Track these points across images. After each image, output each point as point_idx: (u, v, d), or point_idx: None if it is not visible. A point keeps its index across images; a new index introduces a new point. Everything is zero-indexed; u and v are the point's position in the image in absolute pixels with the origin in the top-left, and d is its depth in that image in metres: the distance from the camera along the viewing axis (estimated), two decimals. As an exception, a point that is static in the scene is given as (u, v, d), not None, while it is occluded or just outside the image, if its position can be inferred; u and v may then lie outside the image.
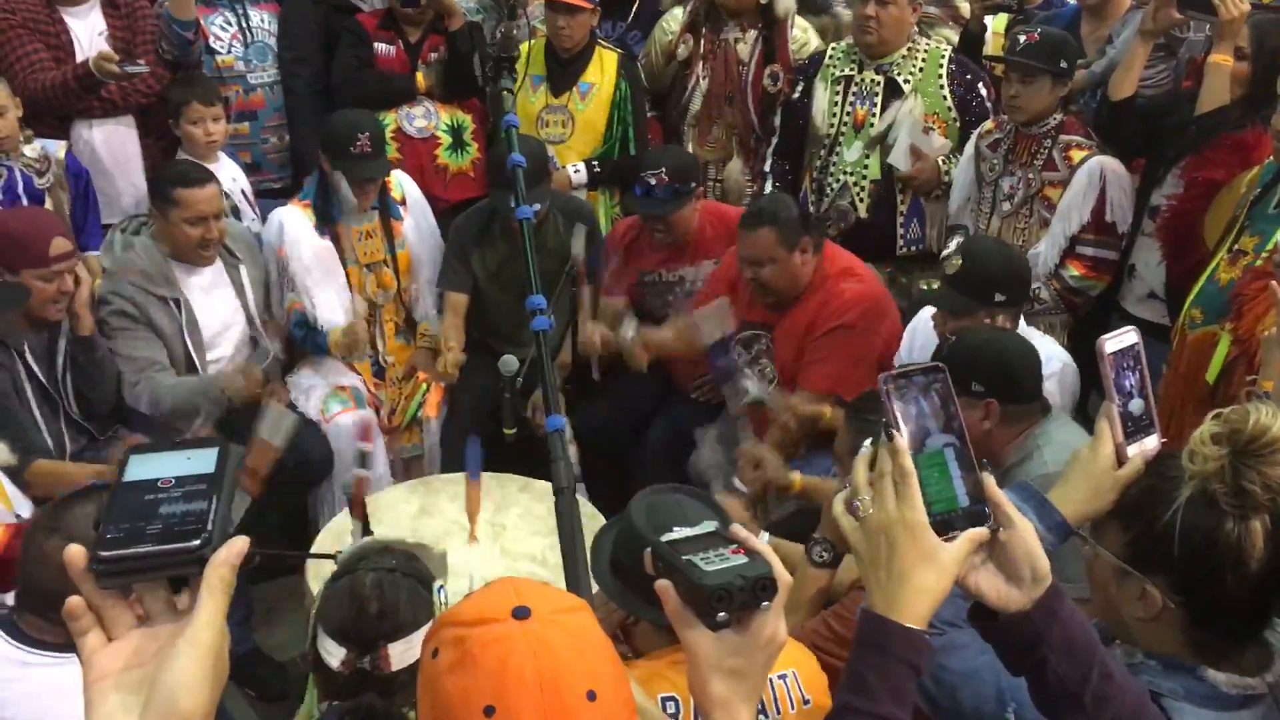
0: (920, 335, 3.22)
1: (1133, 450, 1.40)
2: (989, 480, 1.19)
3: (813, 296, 3.45)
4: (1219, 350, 2.90)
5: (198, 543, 0.85)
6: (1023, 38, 3.55)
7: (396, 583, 1.88)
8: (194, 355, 3.52)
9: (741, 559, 1.06)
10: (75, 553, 0.84)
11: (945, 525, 1.16)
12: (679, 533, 1.11)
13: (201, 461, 0.91)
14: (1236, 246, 2.96)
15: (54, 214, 3.54)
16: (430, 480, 3.47)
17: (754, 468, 3.06)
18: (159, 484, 0.89)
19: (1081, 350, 3.54)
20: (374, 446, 3.60)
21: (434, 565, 2.03)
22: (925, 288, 3.11)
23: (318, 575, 2.36)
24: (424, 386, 3.90)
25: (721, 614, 1.04)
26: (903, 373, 1.19)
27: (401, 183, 3.96)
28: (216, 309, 3.58)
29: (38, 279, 3.12)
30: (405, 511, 3.20)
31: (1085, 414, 3.35)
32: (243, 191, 4.02)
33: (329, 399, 3.78)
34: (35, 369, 3.23)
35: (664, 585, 1.07)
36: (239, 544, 0.86)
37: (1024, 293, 3.11)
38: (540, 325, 2.13)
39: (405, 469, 3.89)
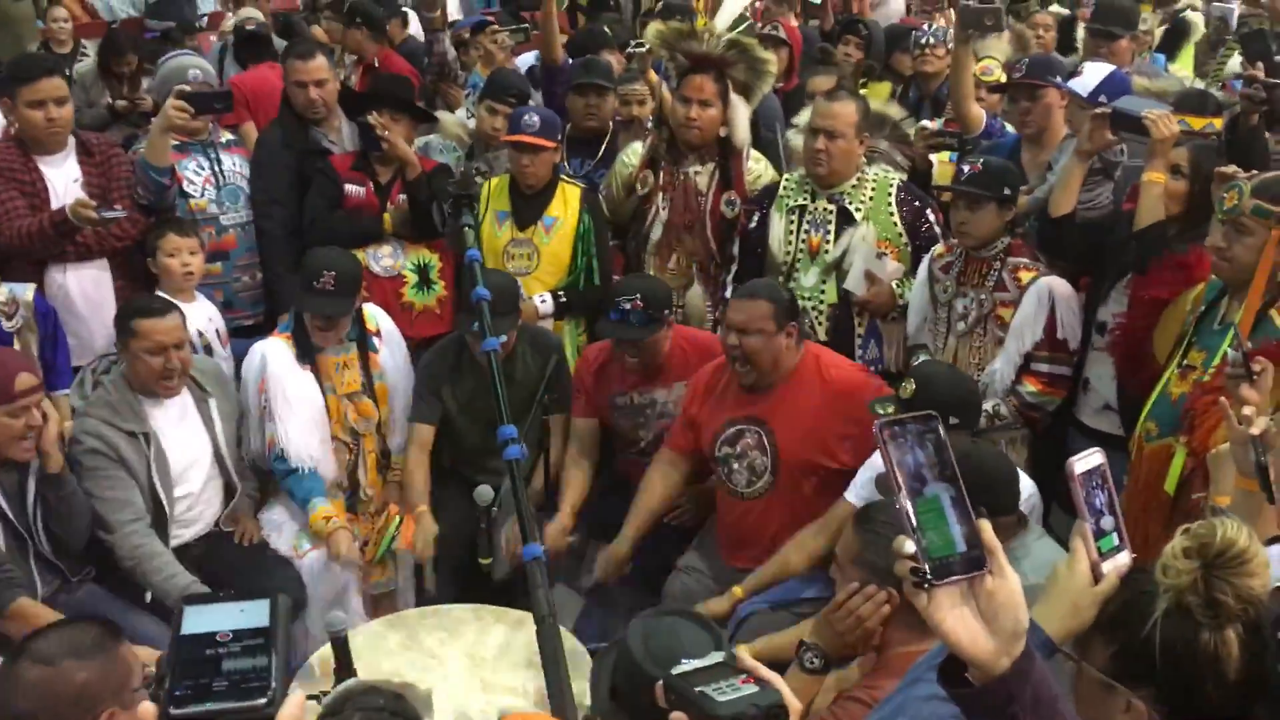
0: None
1: (1107, 567, 1.47)
2: (985, 527, 1.23)
3: (804, 380, 3.50)
4: (1175, 462, 3.00)
5: (264, 700, 0.89)
6: (967, 167, 3.74)
7: None
8: (160, 491, 3.51)
9: (752, 688, 1.11)
10: (147, 710, 0.87)
11: (944, 570, 1.20)
12: (688, 664, 1.16)
13: (255, 614, 0.95)
14: (1186, 361, 3.10)
15: (18, 352, 3.56)
16: (405, 615, 3.44)
17: None
18: (217, 638, 0.93)
19: (1042, 464, 3.65)
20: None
21: (420, 704, 2.03)
22: (881, 412, 3.17)
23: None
24: (397, 519, 3.90)
25: None
26: (898, 420, 1.24)
27: (375, 316, 4.03)
28: (185, 443, 3.59)
29: (3, 415, 3.13)
30: (384, 648, 3.18)
31: (1049, 528, 3.43)
32: (216, 331, 4.07)
33: (300, 536, 3.78)
34: (4, 507, 3.22)
35: (679, 717, 1.11)
36: (299, 698, 0.89)
37: (975, 416, 3.26)
38: (512, 454, 2.19)
39: (376, 605, 3.87)
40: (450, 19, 7.10)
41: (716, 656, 1.18)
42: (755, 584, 3.39)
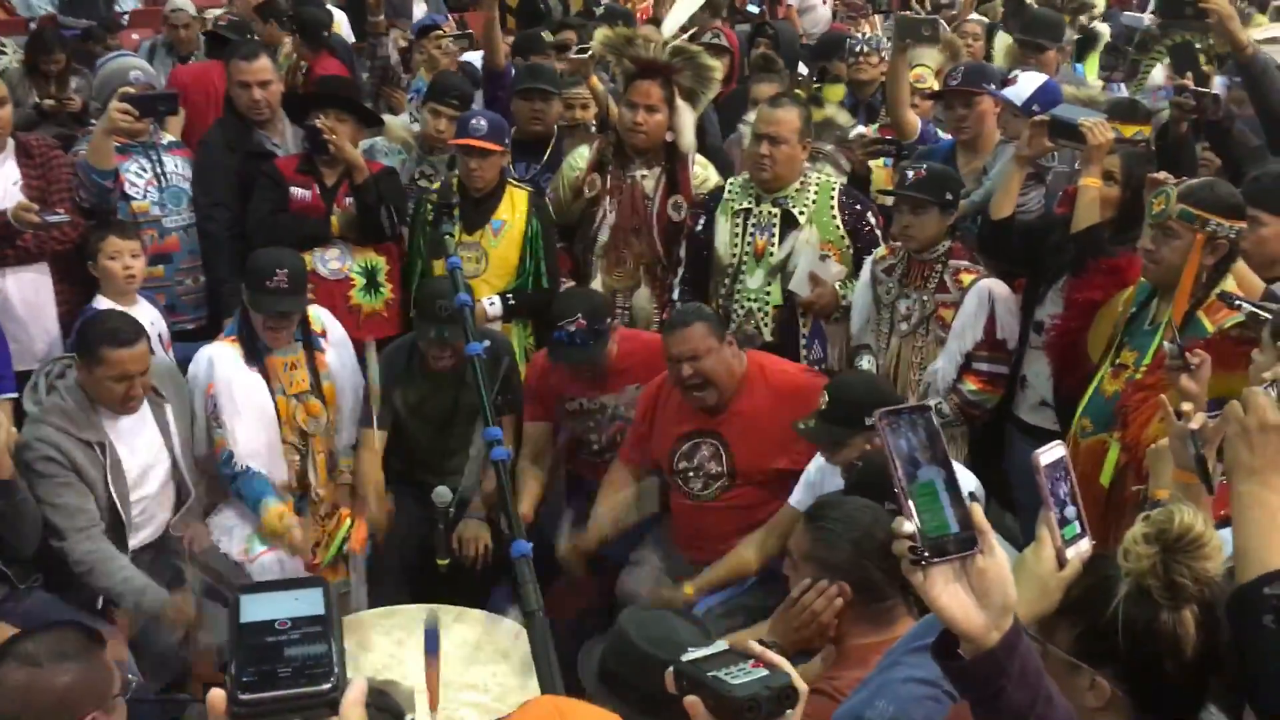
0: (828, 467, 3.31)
1: (1070, 553, 1.55)
2: (976, 509, 1.30)
3: (751, 389, 3.57)
4: (1110, 457, 3.13)
5: (329, 685, 0.92)
6: (910, 173, 3.85)
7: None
8: (116, 499, 3.46)
9: (763, 671, 1.17)
10: (216, 697, 0.90)
11: (939, 549, 1.27)
12: (696, 652, 1.21)
13: (309, 602, 0.99)
14: (1118, 361, 3.22)
15: (-39, 361, 3.51)
16: (361, 616, 3.44)
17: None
18: (276, 625, 0.96)
19: (982, 460, 3.78)
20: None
21: (403, 701, 2.07)
22: (803, 427, 3.25)
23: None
24: (348, 522, 3.90)
25: None
26: (895, 410, 1.31)
27: (320, 316, 4.01)
28: (140, 449, 3.55)
29: None
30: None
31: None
32: (159, 335, 4.02)
33: (251, 539, 3.75)
34: (-48, 517, 3.16)
35: (693, 701, 1.16)
36: (362, 683, 0.93)
37: None
38: (499, 456, 2.24)
39: (330, 607, 3.86)
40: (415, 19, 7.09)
41: (721, 645, 1.24)
42: (708, 582, 3.45)
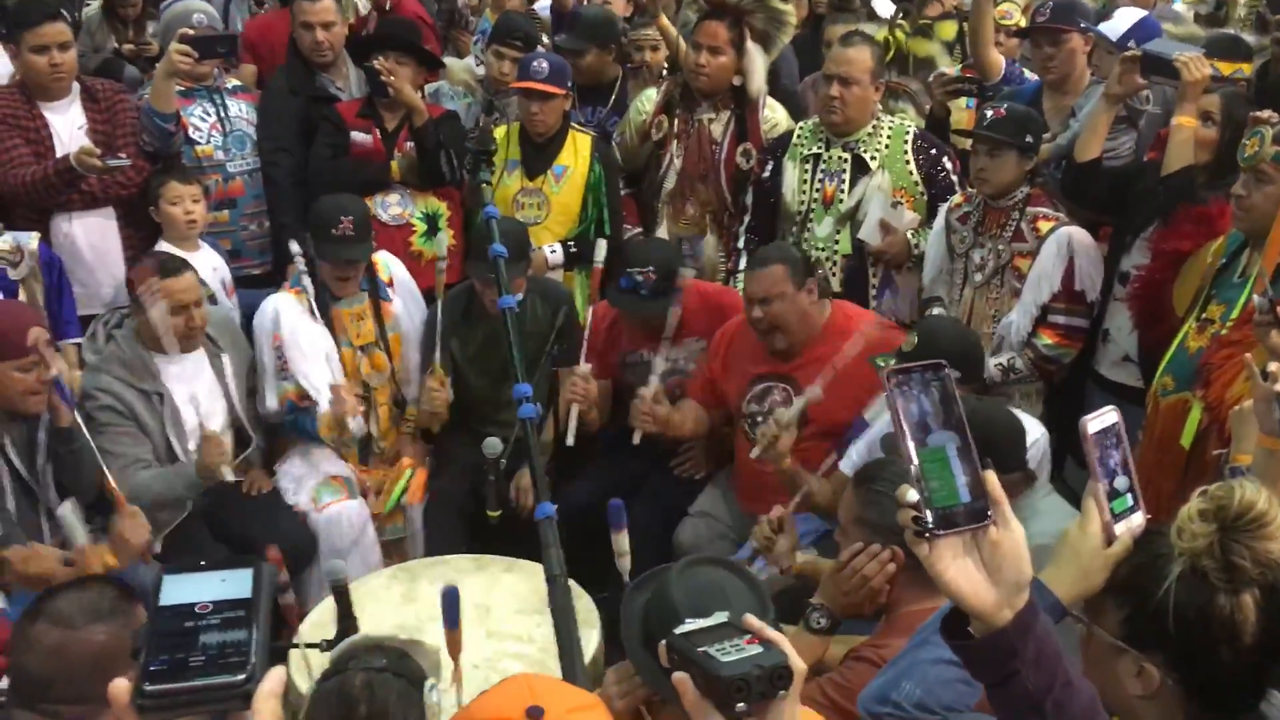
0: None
1: (1120, 529, 1.43)
2: (991, 478, 1.21)
3: (831, 336, 3.45)
4: (1191, 417, 2.96)
5: (243, 677, 0.86)
6: (989, 112, 3.66)
7: (387, 683, 1.86)
8: (175, 447, 3.50)
9: (757, 649, 1.08)
10: (120, 688, 0.84)
11: (947, 520, 1.18)
12: (692, 624, 1.13)
13: (236, 584, 0.92)
14: (1204, 315, 3.04)
15: (28, 305, 3.54)
16: (410, 565, 3.44)
17: (772, 532, 3.05)
18: (196, 609, 0.89)
19: (1058, 417, 3.60)
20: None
21: (427, 662, 2.02)
22: (882, 364, 3.14)
23: (300, 668, 2.34)
24: (409, 471, 3.89)
25: (740, 704, 1.05)
26: (905, 369, 1.22)
27: (388, 264, 3.99)
28: (198, 399, 3.56)
29: (15, 370, 3.12)
30: (387, 599, 3.18)
31: (1062, 481, 3.39)
32: (222, 281, 4.03)
33: (320, 488, 3.77)
34: (15, 461, 3.21)
35: (681, 678, 1.09)
36: (279, 672, 0.86)
37: (977, 371, 3.24)
38: (527, 413, 2.16)
39: (386, 553, 3.87)
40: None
41: (720, 617, 1.16)
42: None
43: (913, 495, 1.18)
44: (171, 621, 0.89)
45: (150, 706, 0.85)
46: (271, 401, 3.77)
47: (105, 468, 3.22)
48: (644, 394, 3.57)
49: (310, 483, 3.78)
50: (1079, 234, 3.55)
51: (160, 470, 3.44)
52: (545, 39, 4.96)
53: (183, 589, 0.91)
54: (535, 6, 5.81)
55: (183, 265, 3.52)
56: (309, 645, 2.41)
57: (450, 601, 2.17)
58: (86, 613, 1.86)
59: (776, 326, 3.44)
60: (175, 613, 0.89)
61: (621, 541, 2.38)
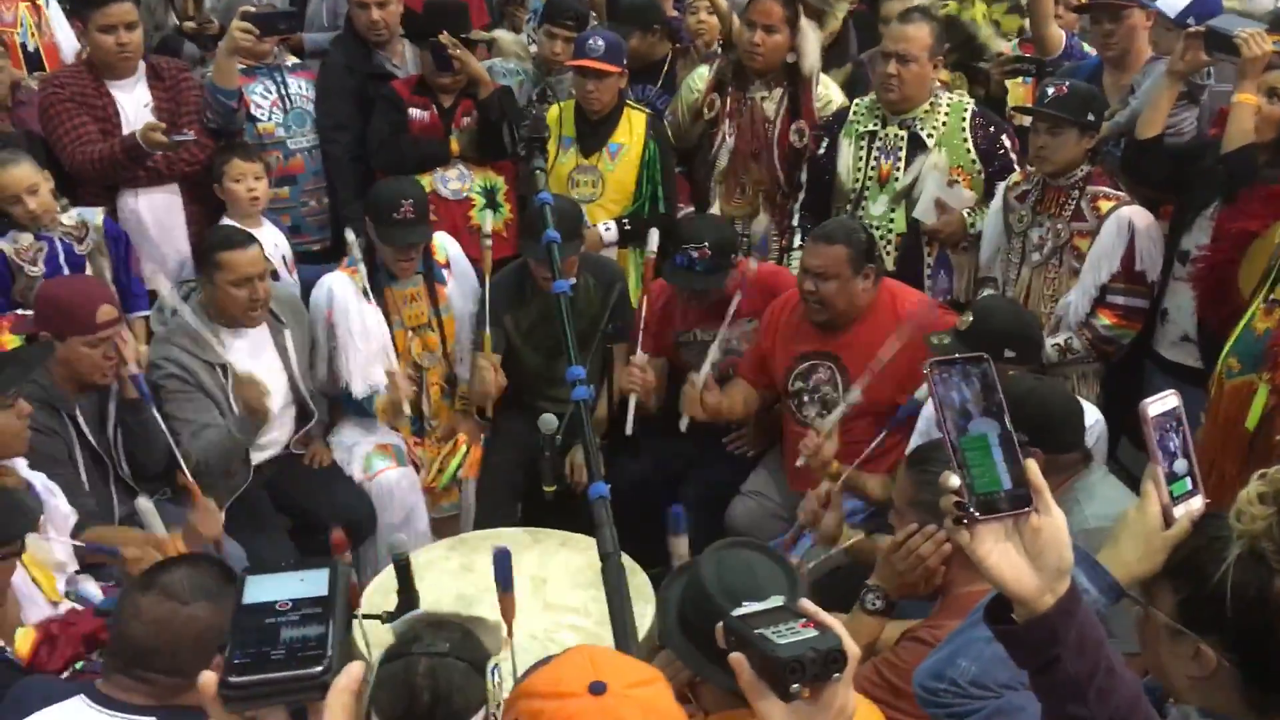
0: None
1: (1179, 511, 1.43)
2: (1032, 466, 1.22)
3: (878, 316, 3.46)
4: (1258, 399, 2.92)
5: (320, 669, 0.90)
6: (1051, 90, 3.61)
7: (450, 668, 1.87)
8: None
9: (812, 632, 1.10)
10: (208, 679, 0.89)
11: (989, 506, 1.20)
12: (749, 607, 1.16)
13: (314, 583, 0.97)
14: (1272, 296, 2.99)
15: (99, 281, 3.63)
16: (466, 538, 3.50)
17: (819, 507, 3.06)
18: (277, 606, 0.95)
19: (1115, 398, 3.57)
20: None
21: (490, 640, 2.04)
22: (936, 342, 3.13)
23: (363, 636, 2.39)
24: (464, 448, 3.94)
25: (795, 685, 1.07)
26: (947, 360, 1.24)
27: (445, 245, 4.03)
28: (261, 372, 3.63)
29: (85, 346, 3.20)
30: (446, 569, 3.24)
31: (1116, 461, 3.36)
32: (283, 257, 4.10)
33: (372, 456, 3.85)
34: (86, 432, 3.30)
35: (738, 658, 1.11)
36: (357, 669, 0.90)
37: (1034, 351, 3.22)
38: (580, 395, 2.19)
39: (439, 529, 3.94)
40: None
41: (776, 600, 1.19)
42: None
43: (954, 481, 1.20)
44: (254, 618, 0.94)
45: (234, 696, 0.90)
46: (324, 372, 3.86)
47: (174, 434, 3.31)
48: (694, 380, 3.58)
49: (361, 450, 3.87)
50: (1140, 214, 3.51)
51: (209, 431, 3.50)
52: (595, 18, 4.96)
53: (264, 588, 0.97)
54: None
55: (248, 239, 3.59)
56: (369, 616, 2.47)
57: (502, 563, 2.20)
58: (197, 590, 1.87)
59: (824, 304, 3.46)
60: (257, 610, 0.95)
61: (680, 545, 2.39)
